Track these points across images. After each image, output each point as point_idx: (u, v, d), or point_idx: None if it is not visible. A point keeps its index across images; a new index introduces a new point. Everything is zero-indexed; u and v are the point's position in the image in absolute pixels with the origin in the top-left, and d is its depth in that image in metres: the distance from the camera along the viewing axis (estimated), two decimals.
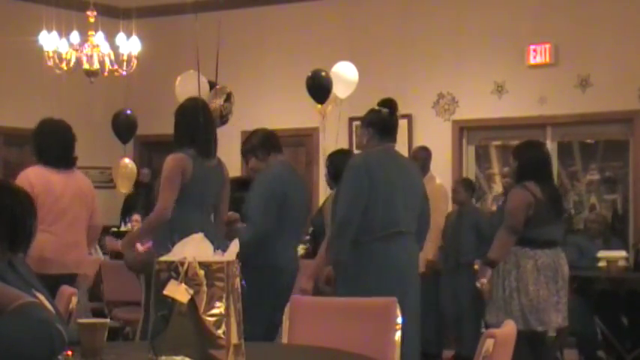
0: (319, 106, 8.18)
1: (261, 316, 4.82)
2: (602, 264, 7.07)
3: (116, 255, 7.57)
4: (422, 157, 7.70)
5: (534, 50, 8.91)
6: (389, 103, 5.11)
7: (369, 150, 4.97)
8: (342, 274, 4.81)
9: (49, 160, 5.18)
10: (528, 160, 5.56)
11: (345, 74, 8.15)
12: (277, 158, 5.24)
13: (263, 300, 4.86)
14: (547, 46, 8.85)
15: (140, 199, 9.24)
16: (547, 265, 5.43)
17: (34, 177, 5.09)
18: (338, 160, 5.96)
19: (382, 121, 5.00)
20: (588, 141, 9.01)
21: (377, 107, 5.09)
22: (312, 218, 5.95)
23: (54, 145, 5.21)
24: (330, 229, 4.96)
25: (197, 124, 4.82)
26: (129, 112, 9.42)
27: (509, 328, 2.79)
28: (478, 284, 5.55)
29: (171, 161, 4.74)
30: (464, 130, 9.37)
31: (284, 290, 4.95)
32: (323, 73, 8.18)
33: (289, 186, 5.23)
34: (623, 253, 7.27)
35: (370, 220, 4.75)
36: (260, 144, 5.25)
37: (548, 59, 8.85)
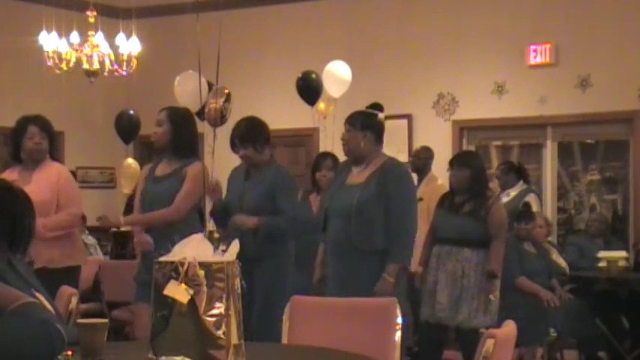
0: (322, 105, 8.20)
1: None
2: (602, 264, 7.07)
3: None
4: (424, 157, 7.71)
5: (534, 50, 8.91)
6: (379, 107, 5.13)
7: (391, 157, 5.07)
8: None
9: None
10: (481, 169, 5.98)
11: (338, 73, 8.16)
12: (269, 152, 5.30)
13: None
14: (547, 46, 8.85)
15: None
16: None
17: None
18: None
19: (379, 126, 5.04)
20: (588, 141, 9.00)
21: (369, 110, 5.11)
22: None
23: None
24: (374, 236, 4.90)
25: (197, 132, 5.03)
26: (132, 112, 9.42)
27: (509, 328, 2.79)
28: (491, 297, 5.61)
29: (203, 171, 4.84)
30: (464, 130, 9.37)
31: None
32: (313, 75, 8.20)
33: None
34: (623, 254, 7.27)
35: None
36: (263, 136, 5.26)
37: (548, 59, 8.85)
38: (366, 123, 4.98)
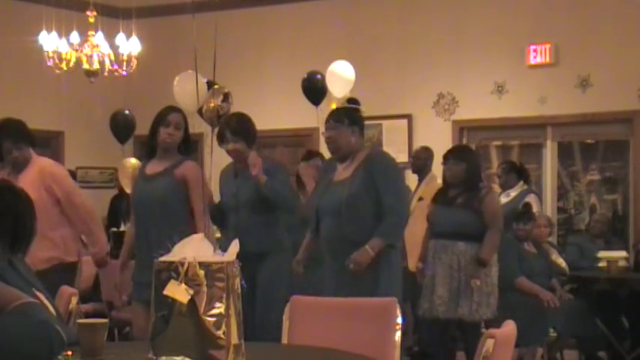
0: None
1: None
2: (602, 264, 7.07)
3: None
4: (423, 157, 7.71)
5: (534, 50, 8.91)
6: (356, 102, 5.18)
7: (373, 148, 5.05)
8: (386, 268, 4.82)
9: None
10: (476, 163, 6.04)
11: (341, 73, 8.15)
12: (256, 148, 5.37)
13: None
14: (547, 46, 8.85)
15: None
16: None
17: None
18: None
19: (362, 120, 5.07)
20: (588, 141, 9.00)
21: (351, 105, 5.15)
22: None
23: None
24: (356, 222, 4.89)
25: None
26: (127, 112, 9.41)
27: (509, 328, 2.79)
28: (473, 284, 5.61)
29: (202, 170, 4.97)
30: (464, 130, 9.37)
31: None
32: (318, 76, 8.19)
33: None
34: (623, 254, 7.27)
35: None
36: (253, 132, 5.32)
37: (548, 59, 8.85)
38: (353, 118, 4.97)
